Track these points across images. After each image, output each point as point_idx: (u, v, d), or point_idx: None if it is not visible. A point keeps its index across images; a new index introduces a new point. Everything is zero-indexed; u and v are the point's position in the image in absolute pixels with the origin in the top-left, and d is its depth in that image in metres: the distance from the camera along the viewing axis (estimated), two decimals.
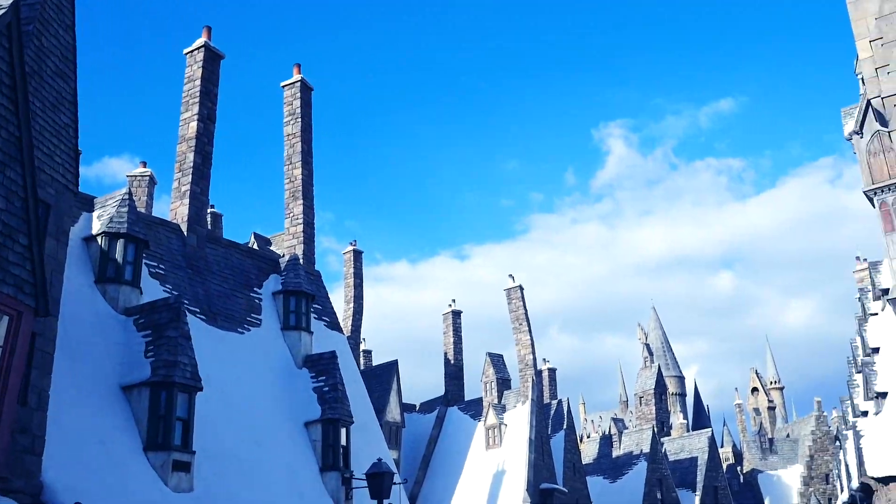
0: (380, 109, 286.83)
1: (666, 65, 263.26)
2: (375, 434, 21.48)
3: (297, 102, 23.82)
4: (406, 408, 37.11)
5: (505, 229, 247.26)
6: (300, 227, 22.74)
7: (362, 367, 35.38)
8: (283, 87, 24.24)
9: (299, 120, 23.65)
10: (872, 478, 19.33)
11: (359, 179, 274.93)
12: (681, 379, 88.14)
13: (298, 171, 23.21)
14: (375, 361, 40.50)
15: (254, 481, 16.22)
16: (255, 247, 30.29)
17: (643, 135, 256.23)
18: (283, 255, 22.36)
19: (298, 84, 23.97)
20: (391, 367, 35.52)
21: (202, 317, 18.05)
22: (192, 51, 20.65)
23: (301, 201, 22.93)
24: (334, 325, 22.72)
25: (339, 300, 35.67)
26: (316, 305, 21.79)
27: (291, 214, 23.00)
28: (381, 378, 34.88)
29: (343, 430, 18.85)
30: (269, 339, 19.70)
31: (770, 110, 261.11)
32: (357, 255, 36.22)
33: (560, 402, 39.61)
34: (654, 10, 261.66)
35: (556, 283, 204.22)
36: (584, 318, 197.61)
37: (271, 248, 31.46)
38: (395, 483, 16.32)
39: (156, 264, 17.75)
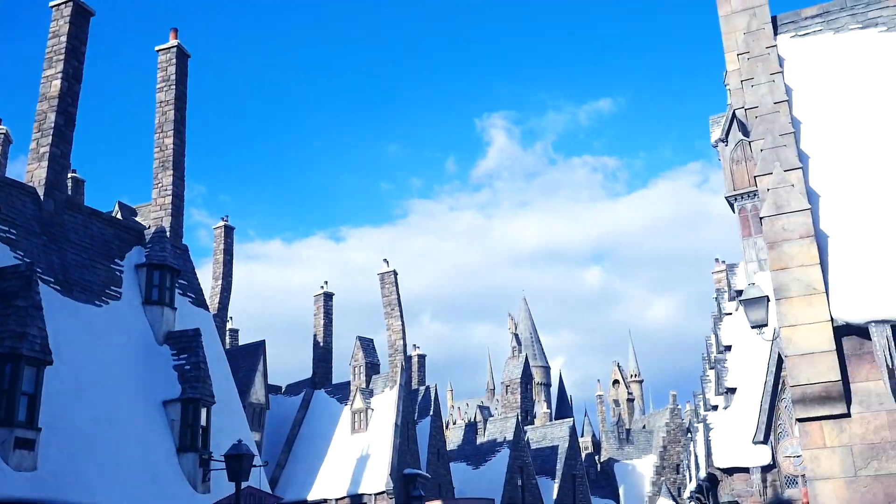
0: (260, 84, 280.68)
1: (550, 61, 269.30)
2: (238, 415, 21.01)
3: (172, 69, 22.95)
4: (272, 389, 36.51)
5: (383, 213, 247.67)
6: (168, 199, 21.94)
7: (228, 347, 34.53)
8: (158, 51, 23.29)
9: (174, 87, 22.80)
10: (718, 468, 20.29)
11: (235, 154, 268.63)
12: (547, 369, 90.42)
13: (170, 141, 22.37)
14: (242, 341, 39.63)
15: (104, 461, 15.55)
16: (120, 216, 29.02)
17: (525, 128, 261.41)
18: (149, 227, 21.50)
19: (174, 49, 23.08)
20: (258, 348, 34.83)
21: (56, 287, 17.09)
22: (59, 4, 19.51)
23: (171, 172, 22.13)
24: (200, 301, 22.03)
25: (208, 276, 34.71)
26: (181, 281, 21.07)
27: (160, 185, 22.16)
28: (247, 358, 34.15)
29: (203, 410, 18.35)
30: (128, 314, 18.90)
31: (646, 113, 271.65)
32: (228, 230, 35.30)
33: (428, 388, 39.91)
34: (539, 7, 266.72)
35: (431, 269, 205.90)
36: (457, 305, 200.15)
37: (137, 218, 30.23)
38: (255, 465, 15.96)
39: (6, 229, 16.65)
